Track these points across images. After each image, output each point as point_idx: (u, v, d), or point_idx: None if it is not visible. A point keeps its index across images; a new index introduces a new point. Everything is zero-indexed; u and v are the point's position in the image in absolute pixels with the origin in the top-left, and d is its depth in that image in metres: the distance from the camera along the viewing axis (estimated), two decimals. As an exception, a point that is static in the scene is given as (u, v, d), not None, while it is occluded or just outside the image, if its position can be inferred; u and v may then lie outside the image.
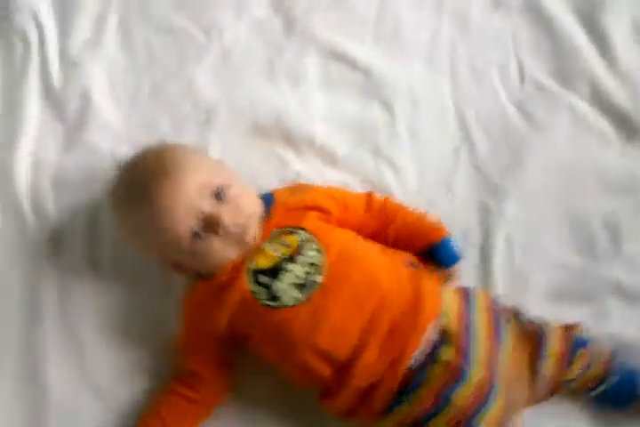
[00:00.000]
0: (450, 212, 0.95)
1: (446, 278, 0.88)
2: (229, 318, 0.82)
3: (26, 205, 0.95)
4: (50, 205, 0.95)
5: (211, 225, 0.78)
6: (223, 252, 0.80)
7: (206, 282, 0.84)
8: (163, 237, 0.80)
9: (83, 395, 0.89)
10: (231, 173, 0.86)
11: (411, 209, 0.90)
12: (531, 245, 0.95)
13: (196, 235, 0.79)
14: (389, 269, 0.83)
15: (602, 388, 0.86)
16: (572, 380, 0.85)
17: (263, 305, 0.79)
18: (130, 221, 0.83)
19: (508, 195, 0.97)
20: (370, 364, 0.78)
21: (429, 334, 0.79)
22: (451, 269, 0.88)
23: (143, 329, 0.91)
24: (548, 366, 0.82)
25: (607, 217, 0.97)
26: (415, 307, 0.79)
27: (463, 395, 0.76)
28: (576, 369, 0.84)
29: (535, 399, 0.83)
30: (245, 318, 0.81)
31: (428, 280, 0.84)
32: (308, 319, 0.78)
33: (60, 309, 0.91)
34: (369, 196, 0.90)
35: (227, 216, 0.78)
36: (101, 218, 0.95)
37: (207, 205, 0.79)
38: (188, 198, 0.78)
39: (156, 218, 0.79)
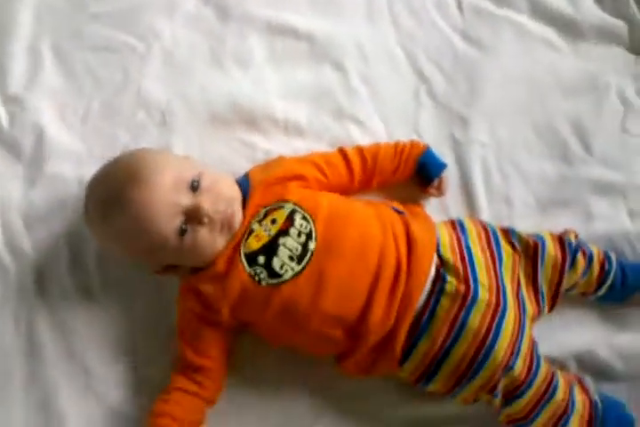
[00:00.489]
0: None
1: (439, 192, 0.91)
2: (231, 309, 0.80)
3: (2, 250, 0.92)
4: (26, 245, 0.93)
5: (194, 216, 0.77)
6: (212, 240, 0.79)
7: (202, 274, 0.81)
8: (149, 240, 0.78)
9: (99, 418, 0.87)
10: (200, 165, 0.84)
11: (382, 142, 0.92)
12: (506, 164, 0.97)
13: (181, 230, 0.78)
14: (380, 220, 0.83)
15: (604, 287, 0.88)
16: (574, 286, 0.87)
17: (266, 286, 0.78)
18: (112, 232, 0.81)
19: (474, 122, 0.98)
20: (380, 318, 0.78)
21: (431, 273, 0.79)
22: (441, 178, 0.91)
23: (146, 344, 0.90)
24: (547, 274, 0.84)
25: (573, 120, 0.99)
26: (414, 251, 0.80)
27: (476, 318, 0.77)
28: (577, 274, 0.85)
29: (539, 313, 0.84)
30: (249, 307, 0.80)
31: (419, 221, 0.85)
32: (312, 287, 0.78)
33: (61, 339, 0.89)
34: (340, 150, 0.91)
35: (206, 204, 0.77)
36: (82, 244, 0.93)
37: (185, 199, 0.77)
38: (164, 197, 0.77)
39: (138, 223, 0.77)
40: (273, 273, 0.78)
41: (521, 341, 0.79)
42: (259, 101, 0.99)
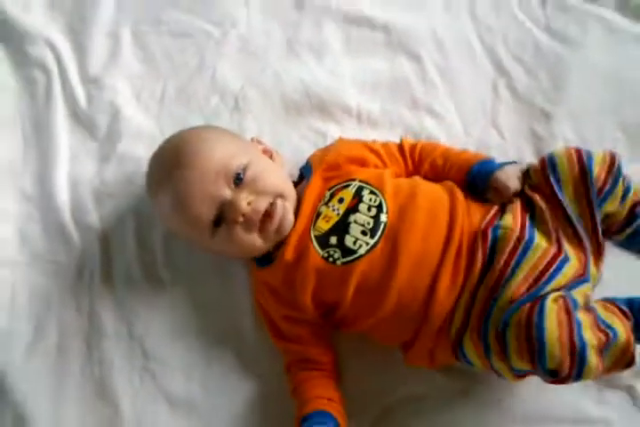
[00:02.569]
0: (502, 147, 0.95)
1: (499, 198, 0.83)
2: (312, 295, 0.79)
3: (70, 224, 0.94)
4: (94, 218, 0.95)
5: (229, 213, 0.77)
6: (249, 239, 0.79)
7: (271, 267, 0.81)
8: (187, 225, 0.79)
9: (157, 405, 0.86)
10: (254, 151, 0.84)
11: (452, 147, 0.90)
12: None
13: (216, 223, 0.78)
14: (444, 186, 0.82)
15: (629, 230, 0.84)
16: (609, 215, 0.82)
17: (341, 265, 0.77)
18: (160, 210, 0.83)
19: (558, 118, 0.95)
20: (447, 284, 0.76)
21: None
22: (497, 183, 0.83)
23: (206, 328, 0.89)
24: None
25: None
26: (471, 219, 0.79)
27: (534, 256, 0.74)
28: (617, 197, 0.80)
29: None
30: (328, 290, 0.79)
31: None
32: (387, 259, 0.76)
33: (122, 320, 0.89)
34: (401, 141, 0.89)
35: (244, 202, 0.77)
36: (149, 222, 0.93)
37: (225, 191, 0.77)
38: (204, 186, 0.77)
39: (177, 207, 0.78)
40: (347, 251, 0.77)
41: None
42: (332, 90, 0.99)
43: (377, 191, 0.80)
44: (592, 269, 0.79)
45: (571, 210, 0.79)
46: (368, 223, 0.78)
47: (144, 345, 0.89)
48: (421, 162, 0.87)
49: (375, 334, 0.83)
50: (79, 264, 0.93)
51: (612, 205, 0.80)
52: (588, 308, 0.73)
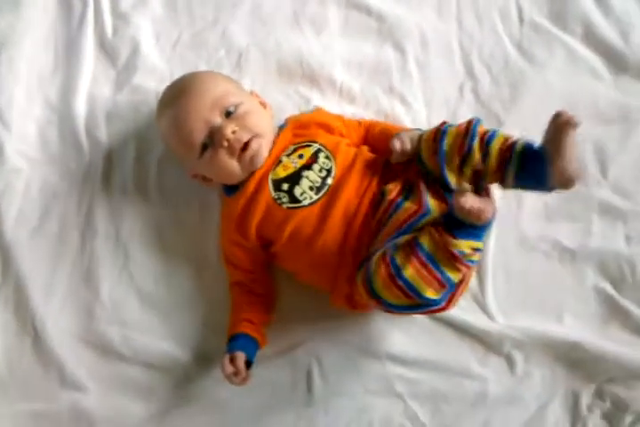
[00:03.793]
0: None
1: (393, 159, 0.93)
2: (257, 226, 0.95)
3: (82, 135, 1.09)
4: (103, 134, 1.09)
5: (215, 137, 0.92)
6: (229, 164, 0.93)
7: (235, 197, 0.96)
8: (180, 143, 0.95)
9: (129, 298, 1.05)
10: (250, 98, 0.98)
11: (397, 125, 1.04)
12: None
13: (205, 146, 0.93)
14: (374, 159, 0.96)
15: (511, 168, 0.83)
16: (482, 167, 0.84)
17: (286, 209, 0.92)
18: (160, 129, 0.98)
19: (508, 125, 1.07)
20: (352, 245, 0.90)
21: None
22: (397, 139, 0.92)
23: (183, 241, 1.06)
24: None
25: (598, 144, 1.07)
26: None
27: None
28: (476, 155, 0.83)
29: None
30: (270, 223, 0.94)
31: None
32: (322, 214, 0.91)
33: (112, 223, 1.06)
34: (364, 121, 1.04)
35: (229, 129, 0.91)
36: (148, 147, 1.08)
37: (217, 119, 0.92)
38: (200, 110, 0.92)
39: (175, 125, 0.94)
40: (294, 199, 0.92)
41: None
42: (323, 63, 1.10)
43: (331, 157, 0.94)
44: (430, 202, 0.87)
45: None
46: (316, 182, 0.93)
47: (127, 247, 1.06)
48: (369, 132, 1.02)
49: (302, 277, 0.99)
50: (85, 171, 1.08)
51: (474, 161, 0.84)
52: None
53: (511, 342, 1.02)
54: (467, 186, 0.85)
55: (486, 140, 0.84)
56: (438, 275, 0.80)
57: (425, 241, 0.81)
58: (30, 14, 1.12)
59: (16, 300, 1.04)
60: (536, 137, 1.03)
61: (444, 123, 0.88)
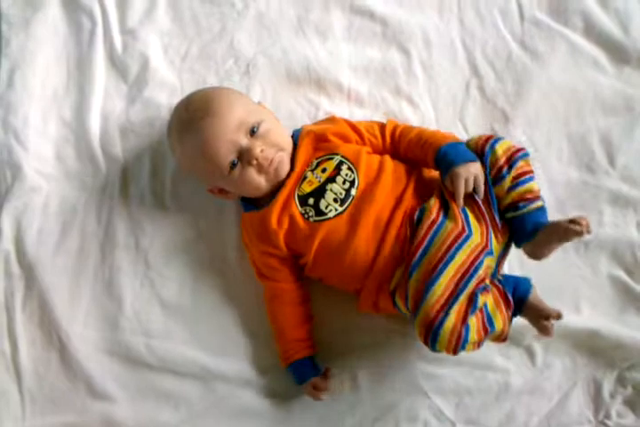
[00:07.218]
0: (464, 139, 1.05)
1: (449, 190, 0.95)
2: (285, 240, 0.97)
3: (98, 151, 1.11)
4: (118, 148, 1.11)
5: (246, 156, 0.94)
6: (256, 179, 0.96)
7: (261, 213, 0.98)
8: (207, 165, 0.96)
9: (152, 307, 1.06)
10: (265, 112, 1.01)
11: (423, 127, 1.04)
12: (536, 163, 1.06)
13: (233, 164, 0.95)
14: (404, 169, 0.99)
15: (517, 212, 0.94)
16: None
17: (313, 222, 0.95)
18: (182, 150, 0.99)
19: (515, 120, 1.10)
20: (385, 259, 0.93)
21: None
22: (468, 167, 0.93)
23: (202, 248, 1.08)
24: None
25: (604, 135, 1.10)
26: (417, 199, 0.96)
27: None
28: (506, 184, 0.94)
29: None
30: (298, 237, 0.97)
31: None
32: (349, 225, 0.94)
33: (132, 234, 1.08)
34: (387, 122, 1.03)
35: (258, 149, 0.94)
36: (163, 160, 1.10)
37: (243, 140, 0.94)
38: (227, 133, 0.94)
39: (202, 149, 0.95)
40: (319, 212, 0.95)
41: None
42: (330, 69, 1.13)
43: (353, 168, 0.97)
44: (494, 242, 0.94)
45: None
46: (340, 193, 0.95)
47: (147, 257, 1.08)
48: (400, 141, 1.01)
49: (331, 282, 1.01)
50: (102, 185, 1.10)
51: (500, 189, 0.95)
52: (480, 308, 0.89)
53: (531, 333, 1.03)
54: None
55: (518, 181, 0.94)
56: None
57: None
58: (41, 33, 1.14)
59: (41, 314, 1.05)
60: (540, 132, 1.10)
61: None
